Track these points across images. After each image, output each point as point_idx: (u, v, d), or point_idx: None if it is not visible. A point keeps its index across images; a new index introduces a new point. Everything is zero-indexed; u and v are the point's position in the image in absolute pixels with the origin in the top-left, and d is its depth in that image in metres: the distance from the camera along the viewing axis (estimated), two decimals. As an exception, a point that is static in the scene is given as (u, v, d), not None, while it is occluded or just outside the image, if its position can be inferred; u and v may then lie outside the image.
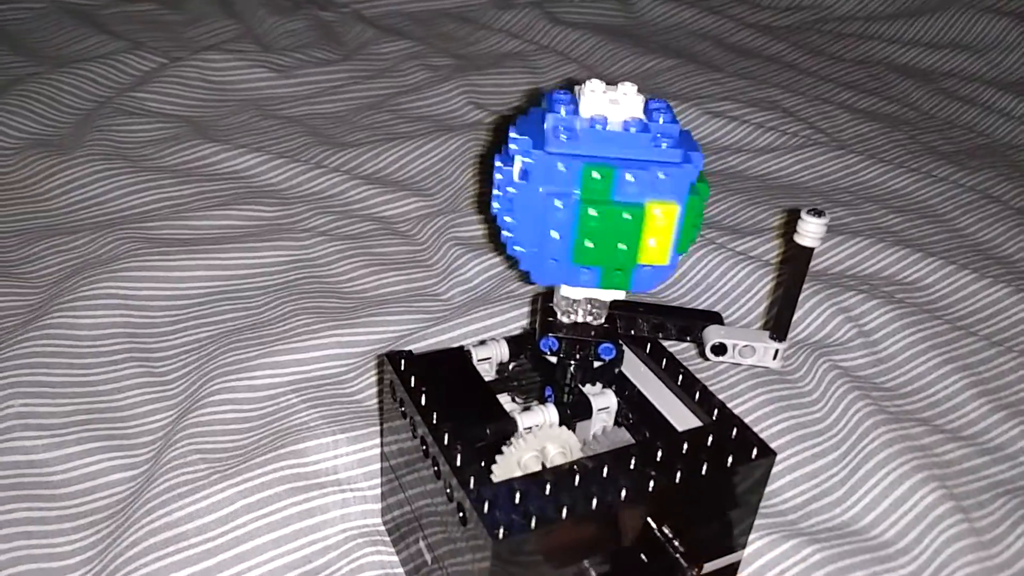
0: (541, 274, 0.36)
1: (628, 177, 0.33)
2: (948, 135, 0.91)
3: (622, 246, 0.33)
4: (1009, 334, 0.61)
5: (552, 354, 0.39)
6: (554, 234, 0.34)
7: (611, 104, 0.33)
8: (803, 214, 0.37)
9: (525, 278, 0.39)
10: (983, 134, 0.92)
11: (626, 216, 0.33)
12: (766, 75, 0.99)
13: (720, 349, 0.40)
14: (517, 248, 0.35)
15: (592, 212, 0.33)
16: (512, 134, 0.34)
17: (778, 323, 0.40)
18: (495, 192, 0.36)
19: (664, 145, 0.33)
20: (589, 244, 0.33)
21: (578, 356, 0.40)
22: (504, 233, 0.35)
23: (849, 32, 1.14)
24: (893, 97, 0.98)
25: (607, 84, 0.35)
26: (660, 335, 0.42)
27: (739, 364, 0.45)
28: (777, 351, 0.40)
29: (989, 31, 1.10)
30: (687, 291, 0.63)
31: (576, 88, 0.36)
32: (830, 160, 0.80)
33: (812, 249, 0.38)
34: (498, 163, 0.35)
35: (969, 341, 0.59)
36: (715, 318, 0.42)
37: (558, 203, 0.33)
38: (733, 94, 0.92)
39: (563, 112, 0.33)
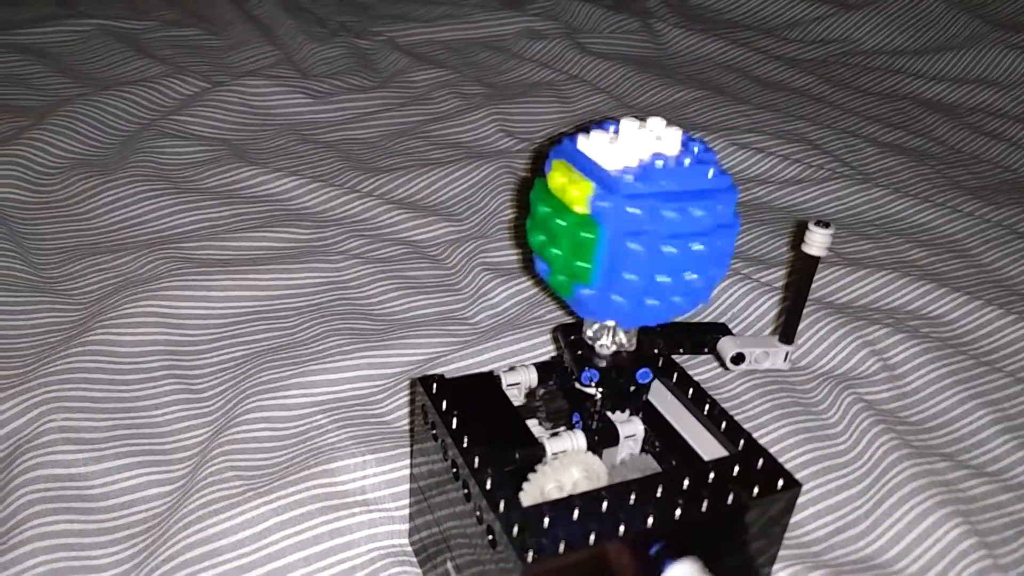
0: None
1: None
2: (974, 170, 0.91)
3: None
4: (1035, 371, 0.61)
5: (592, 385, 0.40)
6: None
7: (656, 141, 0.35)
8: (810, 225, 0.39)
9: (565, 308, 0.40)
10: (1009, 169, 0.92)
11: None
12: (792, 108, 1.00)
13: (739, 358, 0.41)
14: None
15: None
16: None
17: (787, 328, 0.43)
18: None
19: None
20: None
21: (619, 383, 0.41)
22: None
23: (875, 66, 1.15)
24: (919, 131, 0.98)
25: (639, 120, 0.36)
26: (680, 351, 0.43)
27: (755, 370, 0.47)
28: (787, 354, 0.43)
29: (1016, 67, 1.10)
30: (714, 320, 0.64)
31: (611, 125, 0.37)
32: (856, 193, 0.81)
33: (818, 258, 0.41)
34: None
35: (994, 377, 0.59)
36: (723, 329, 0.44)
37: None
38: (759, 126, 0.93)
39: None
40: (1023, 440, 0.54)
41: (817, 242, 0.40)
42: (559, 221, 0.35)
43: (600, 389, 0.41)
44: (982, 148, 0.96)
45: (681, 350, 0.43)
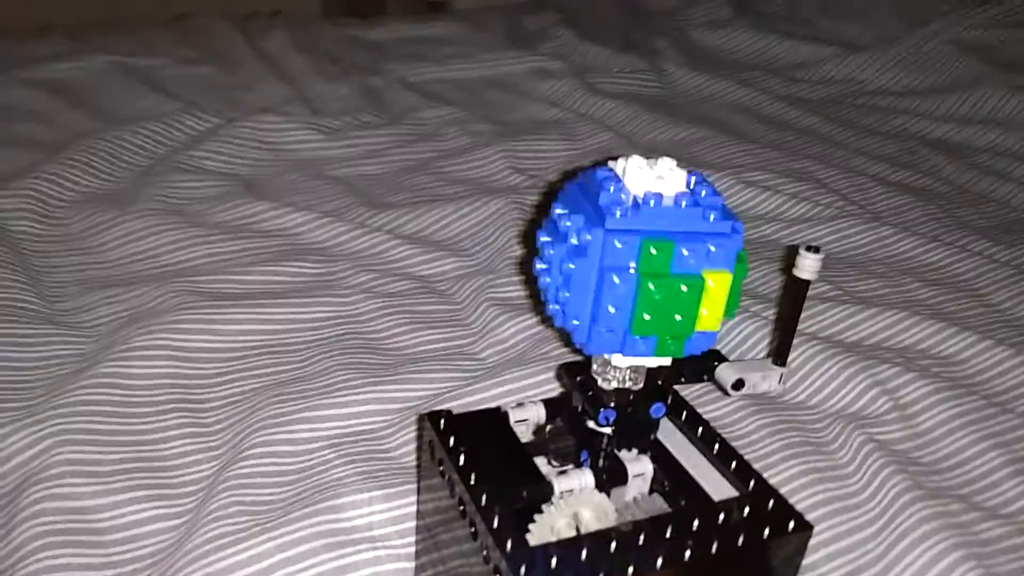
0: (597, 345, 0.36)
1: (684, 251, 0.34)
2: (982, 210, 0.91)
3: (678, 316, 0.35)
4: (1047, 412, 0.61)
5: (609, 425, 0.40)
6: (610, 308, 0.35)
7: (658, 180, 0.35)
8: (801, 250, 0.41)
9: (570, 346, 0.40)
10: (1016, 209, 0.92)
11: (684, 288, 0.34)
12: (799, 147, 1.00)
13: (740, 384, 0.42)
14: (573, 322, 0.36)
15: (651, 286, 0.34)
16: (559, 210, 0.35)
17: (780, 350, 0.45)
18: (540, 266, 0.37)
19: (712, 217, 0.34)
20: (647, 316, 0.35)
21: (634, 420, 0.40)
22: (552, 306, 0.37)
23: (882, 106, 1.16)
24: (926, 171, 0.99)
25: (647, 159, 0.37)
26: (681, 380, 0.44)
27: (753, 394, 0.47)
28: (781, 375, 0.44)
29: (1021, 108, 1.11)
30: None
31: (618, 164, 0.37)
32: (864, 232, 0.81)
33: (809, 282, 0.42)
34: (545, 238, 0.36)
35: (1006, 418, 0.58)
36: (718, 356, 0.44)
37: (616, 278, 0.34)
38: (767, 164, 0.93)
39: (612, 189, 0.35)
40: (1036, 482, 0.54)
41: (808, 267, 0.42)
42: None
43: (613, 427, 0.41)
44: (989, 188, 0.97)
45: (682, 379, 0.43)
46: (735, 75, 1.19)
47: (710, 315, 0.35)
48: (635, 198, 0.35)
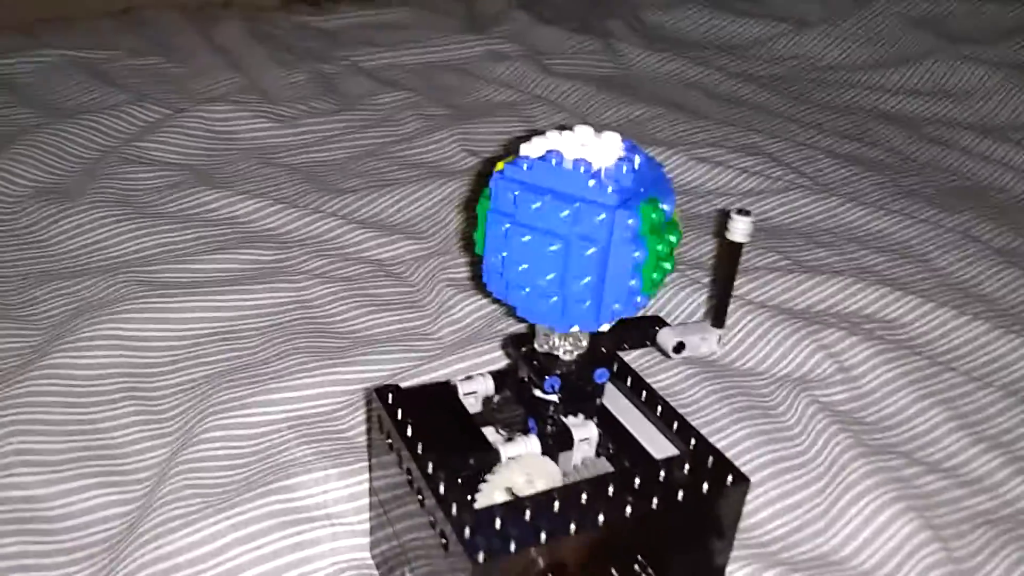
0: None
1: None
2: (929, 178, 0.93)
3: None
4: (988, 369, 0.63)
5: (555, 392, 0.41)
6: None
7: (581, 147, 0.36)
8: (732, 214, 0.42)
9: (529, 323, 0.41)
10: (963, 176, 0.95)
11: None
12: (751, 122, 1.02)
13: (680, 347, 0.44)
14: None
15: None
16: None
17: (717, 312, 0.46)
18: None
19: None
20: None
21: (579, 386, 0.41)
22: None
23: (833, 81, 1.17)
24: (875, 142, 1.00)
25: (595, 131, 0.38)
26: (625, 346, 0.45)
27: (695, 356, 0.50)
28: (719, 337, 0.46)
29: (968, 78, 1.13)
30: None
31: (547, 141, 0.38)
32: (812, 203, 0.82)
33: (741, 244, 0.44)
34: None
35: (948, 376, 0.60)
36: (659, 322, 0.45)
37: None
38: (719, 140, 0.94)
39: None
40: (977, 437, 0.55)
41: (739, 229, 0.43)
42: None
43: (560, 394, 0.41)
44: (937, 157, 0.99)
45: (626, 345, 0.44)
46: (689, 54, 1.20)
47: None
48: (605, 170, 0.36)
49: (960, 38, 1.22)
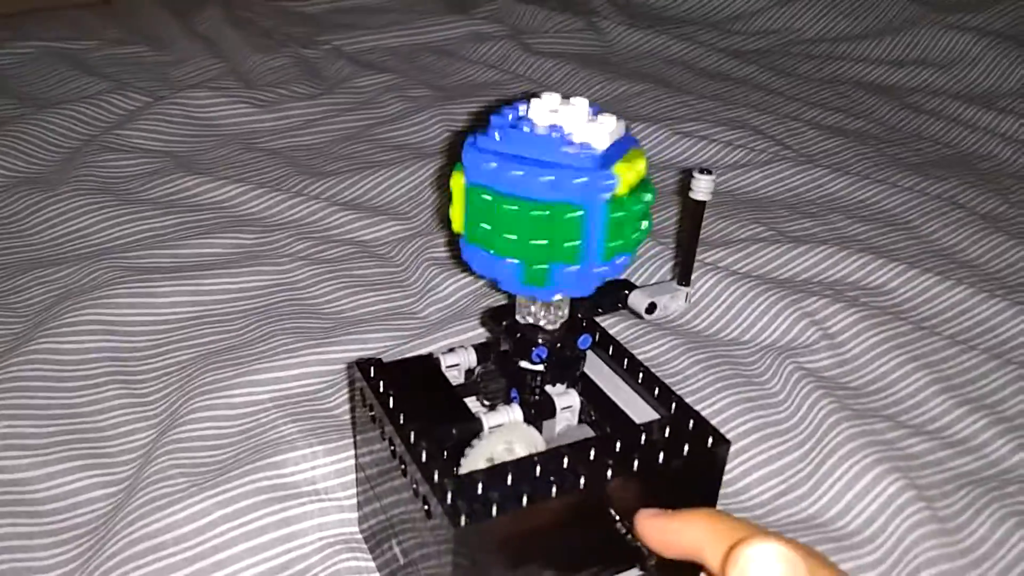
0: (588, 284, 0.38)
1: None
2: (914, 147, 0.93)
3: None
4: (972, 333, 0.63)
5: (542, 362, 0.41)
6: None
7: (551, 113, 0.36)
8: (695, 173, 0.43)
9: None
10: (948, 145, 0.95)
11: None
12: (735, 96, 1.02)
13: (652, 307, 0.44)
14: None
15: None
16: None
17: (683, 271, 0.48)
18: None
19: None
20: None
21: (564, 354, 0.41)
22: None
23: (816, 53, 1.17)
24: (860, 113, 1.00)
25: (562, 98, 0.38)
26: (600, 311, 0.45)
27: (665, 315, 0.52)
28: (687, 295, 0.48)
29: (952, 47, 1.13)
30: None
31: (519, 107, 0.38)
32: (797, 174, 0.82)
33: (704, 203, 0.45)
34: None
35: (932, 340, 0.60)
36: (629, 285, 0.46)
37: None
38: (703, 115, 0.94)
39: (509, 117, 0.36)
40: (960, 399, 0.56)
41: (702, 188, 0.44)
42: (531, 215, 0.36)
43: (545, 364, 0.42)
44: (922, 126, 0.99)
45: (600, 310, 0.44)
46: (672, 30, 1.20)
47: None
48: (578, 134, 0.36)
49: (944, 7, 1.22)
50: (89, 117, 0.86)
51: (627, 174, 0.36)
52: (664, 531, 0.32)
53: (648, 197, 0.37)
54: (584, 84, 1.01)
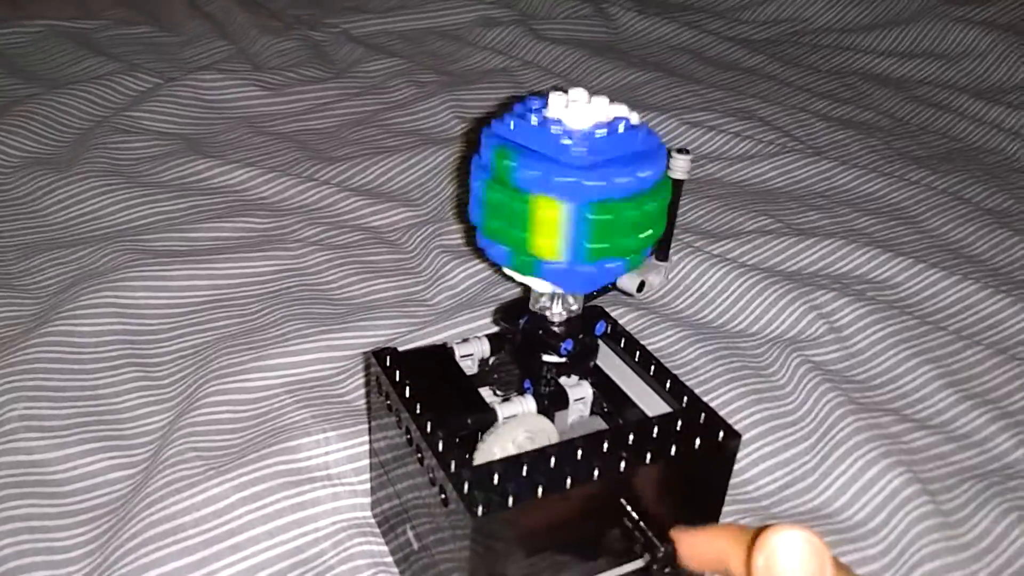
0: (571, 282, 0.38)
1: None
2: (921, 140, 0.93)
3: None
4: (977, 328, 0.64)
5: (569, 353, 0.42)
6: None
7: (564, 109, 0.36)
8: (673, 152, 0.44)
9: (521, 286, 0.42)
10: (955, 139, 0.95)
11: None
12: (744, 86, 1.02)
13: (642, 286, 0.46)
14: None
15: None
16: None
17: (662, 247, 0.51)
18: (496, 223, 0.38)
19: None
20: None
21: (585, 343, 0.42)
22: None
23: (825, 44, 1.17)
24: (868, 105, 1.01)
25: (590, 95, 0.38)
26: (594, 294, 0.46)
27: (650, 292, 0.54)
28: (665, 270, 0.51)
29: (961, 40, 1.13)
30: (665, 292, 0.65)
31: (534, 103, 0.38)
32: (805, 166, 0.83)
33: (682, 181, 0.47)
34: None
35: (937, 335, 0.61)
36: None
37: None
38: (711, 105, 0.94)
39: (534, 107, 0.36)
40: (965, 394, 0.56)
41: (679, 167, 0.46)
42: (516, 205, 0.37)
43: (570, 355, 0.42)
44: (929, 119, 0.99)
45: (594, 293, 0.46)
46: (681, 18, 1.19)
47: (549, 244, 0.37)
48: (582, 133, 0.36)
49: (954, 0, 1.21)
50: (99, 98, 0.86)
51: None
52: (693, 545, 0.33)
53: (650, 206, 0.37)
54: (593, 71, 1.01)
